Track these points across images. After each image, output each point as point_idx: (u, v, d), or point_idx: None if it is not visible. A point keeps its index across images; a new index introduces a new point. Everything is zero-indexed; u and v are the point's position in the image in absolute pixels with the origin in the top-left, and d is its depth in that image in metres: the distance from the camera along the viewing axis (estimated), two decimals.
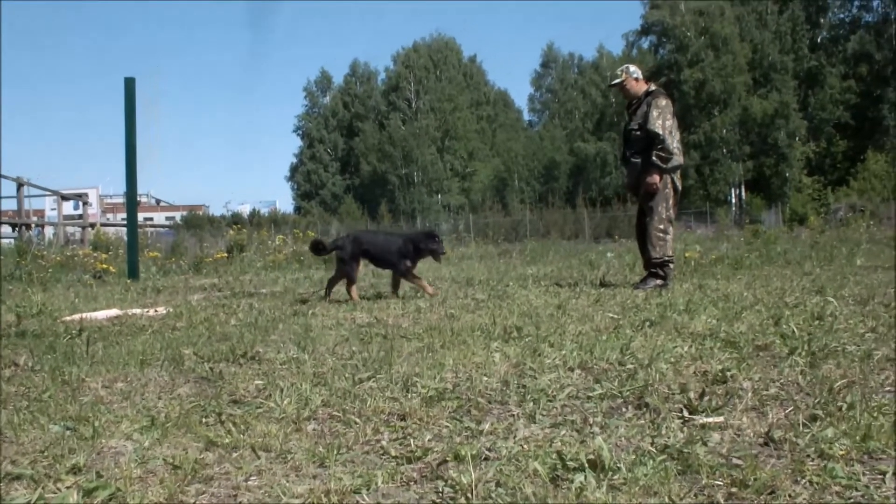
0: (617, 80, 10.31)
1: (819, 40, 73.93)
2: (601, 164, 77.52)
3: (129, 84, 15.06)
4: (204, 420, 3.54)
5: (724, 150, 68.97)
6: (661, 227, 9.95)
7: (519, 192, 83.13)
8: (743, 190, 70.51)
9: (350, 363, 4.74)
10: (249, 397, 3.99)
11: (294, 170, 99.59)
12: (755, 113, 66.88)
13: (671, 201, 10.02)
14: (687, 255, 14.54)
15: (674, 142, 9.82)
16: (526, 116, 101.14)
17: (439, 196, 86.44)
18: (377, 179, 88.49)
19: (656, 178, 9.82)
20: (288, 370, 4.65)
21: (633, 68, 10.35)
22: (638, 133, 9.96)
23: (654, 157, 9.75)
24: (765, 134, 68.17)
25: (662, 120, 9.73)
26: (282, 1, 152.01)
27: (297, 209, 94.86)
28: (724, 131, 68.01)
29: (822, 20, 74.79)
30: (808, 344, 4.74)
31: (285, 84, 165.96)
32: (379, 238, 10.33)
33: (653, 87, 10.20)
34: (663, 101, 9.86)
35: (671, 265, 10.10)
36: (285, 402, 3.76)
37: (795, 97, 68.83)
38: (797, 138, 69.05)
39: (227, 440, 3.15)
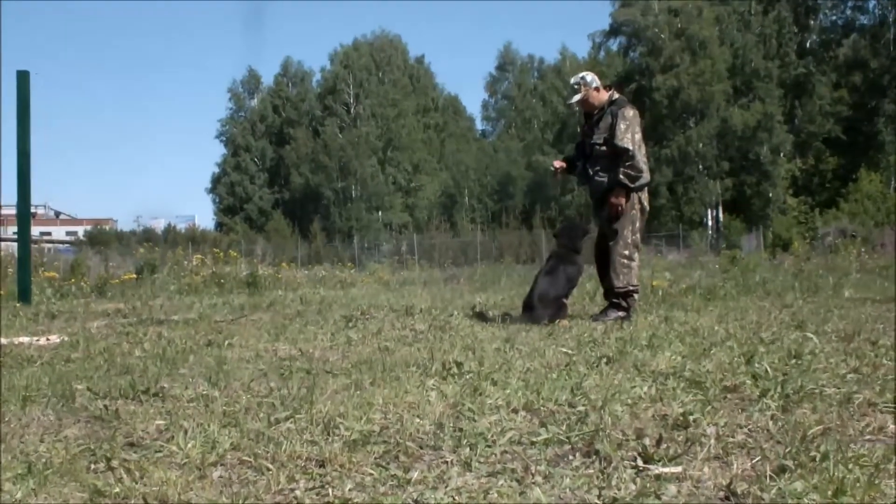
0: (577, 97, 10.20)
1: (808, 45, 74.72)
2: (562, 179, 77.59)
3: (23, 79, 14.79)
4: (92, 466, 3.50)
5: (701, 167, 69.45)
6: (627, 252, 9.94)
7: (469, 211, 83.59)
8: (720, 211, 71.03)
9: (266, 401, 4.72)
10: (148, 439, 3.95)
11: (216, 181, 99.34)
12: (735, 125, 67.38)
13: (638, 224, 10.03)
14: (654, 283, 14.62)
15: (642, 157, 9.86)
16: (479, 125, 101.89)
17: (380, 213, 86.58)
18: (310, 193, 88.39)
19: (622, 198, 9.84)
20: (195, 408, 4.61)
21: (590, 77, 10.26)
22: (603, 148, 9.94)
23: (621, 176, 9.73)
24: (746, 149, 68.69)
25: (631, 133, 9.70)
26: None
27: (219, 226, 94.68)
28: (701, 145, 68.45)
29: (811, 23, 75.56)
30: (781, 385, 4.75)
31: (207, 84, 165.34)
32: None
33: (616, 96, 10.16)
34: (630, 112, 9.81)
35: (636, 295, 10.12)
36: (189, 445, 3.73)
37: (781, 108, 69.41)
38: (782, 154, 69.61)
39: (116, 489, 3.11)
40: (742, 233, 58.63)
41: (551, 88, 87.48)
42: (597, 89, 10.17)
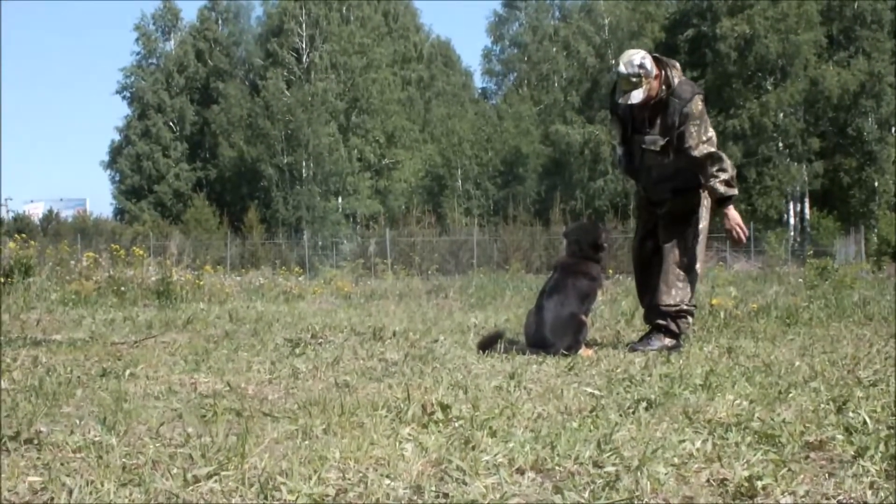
0: (640, 94, 9.57)
1: None
2: (591, 158, 77.53)
3: None
4: None
5: (781, 145, 69.33)
6: (686, 259, 9.93)
7: (463, 199, 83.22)
8: (807, 205, 70.91)
9: (182, 452, 4.71)
10: (18, 502, 3.94)
11: (116, 152, 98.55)
12: (830, 88, 67.14)
13: (703, 223, 10.06)
14: (714, 301, 14.62)
15: (708, 130, 9.75)
16: (478, 82, 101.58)
17: (340, 200, 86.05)
18: (245, 171, 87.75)
19: (737, 215, 9.77)
20: (84, 461, 4.60)
21: (648, 62, 9.60)
22: (661, 156, 9.77)
23: (720, 188, 9.58)
24: (844, 121, 68.48)
25: (707, 135, 9.59)
26: None
27: (119, 213, 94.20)
28: (782, 115, 68.29)
29: None
30: (885, 443, 4.75)
31: (105, 19, 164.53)
32: None
33: (674, 78, 9.72)
34: (699, 107, 9.61)
35: (690, 318, 10.11)
36: None
37: (893, 66, 69.09)
38: (893, 129, 69.36)
39: None
40: (836, 235, 58.58)
41: (578, 33, 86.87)
42: (656, 76, 9.67)
